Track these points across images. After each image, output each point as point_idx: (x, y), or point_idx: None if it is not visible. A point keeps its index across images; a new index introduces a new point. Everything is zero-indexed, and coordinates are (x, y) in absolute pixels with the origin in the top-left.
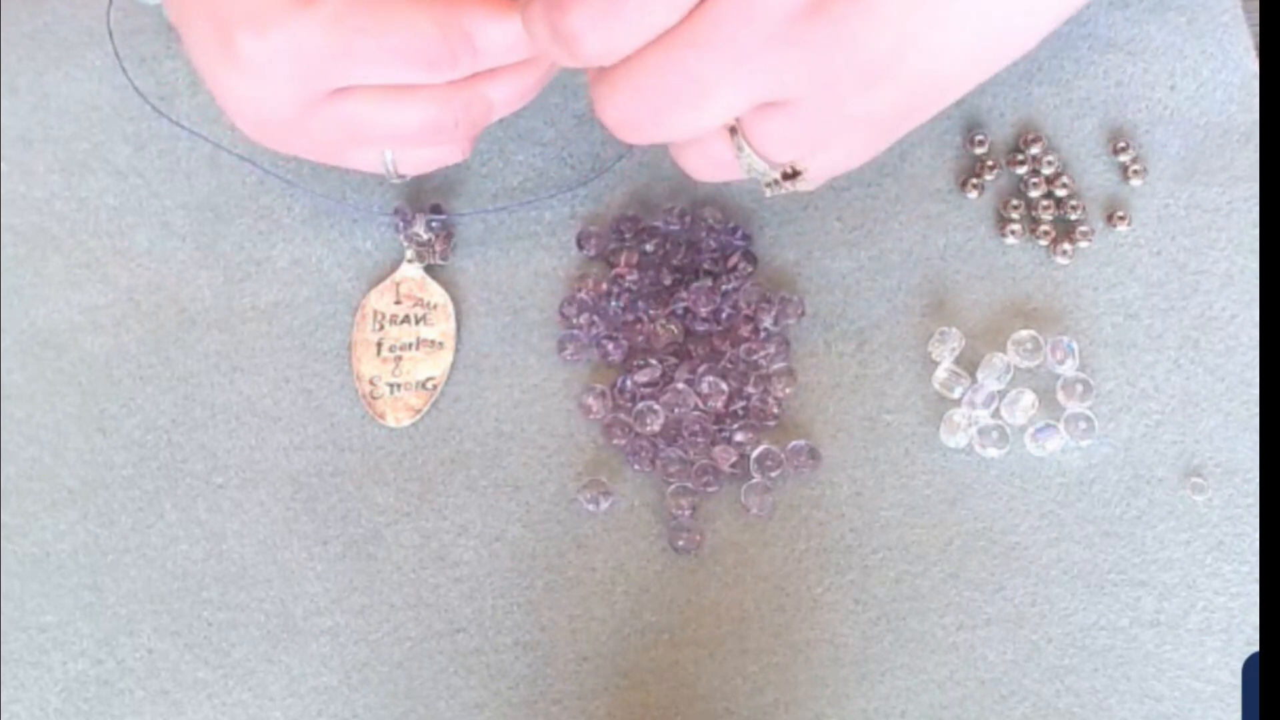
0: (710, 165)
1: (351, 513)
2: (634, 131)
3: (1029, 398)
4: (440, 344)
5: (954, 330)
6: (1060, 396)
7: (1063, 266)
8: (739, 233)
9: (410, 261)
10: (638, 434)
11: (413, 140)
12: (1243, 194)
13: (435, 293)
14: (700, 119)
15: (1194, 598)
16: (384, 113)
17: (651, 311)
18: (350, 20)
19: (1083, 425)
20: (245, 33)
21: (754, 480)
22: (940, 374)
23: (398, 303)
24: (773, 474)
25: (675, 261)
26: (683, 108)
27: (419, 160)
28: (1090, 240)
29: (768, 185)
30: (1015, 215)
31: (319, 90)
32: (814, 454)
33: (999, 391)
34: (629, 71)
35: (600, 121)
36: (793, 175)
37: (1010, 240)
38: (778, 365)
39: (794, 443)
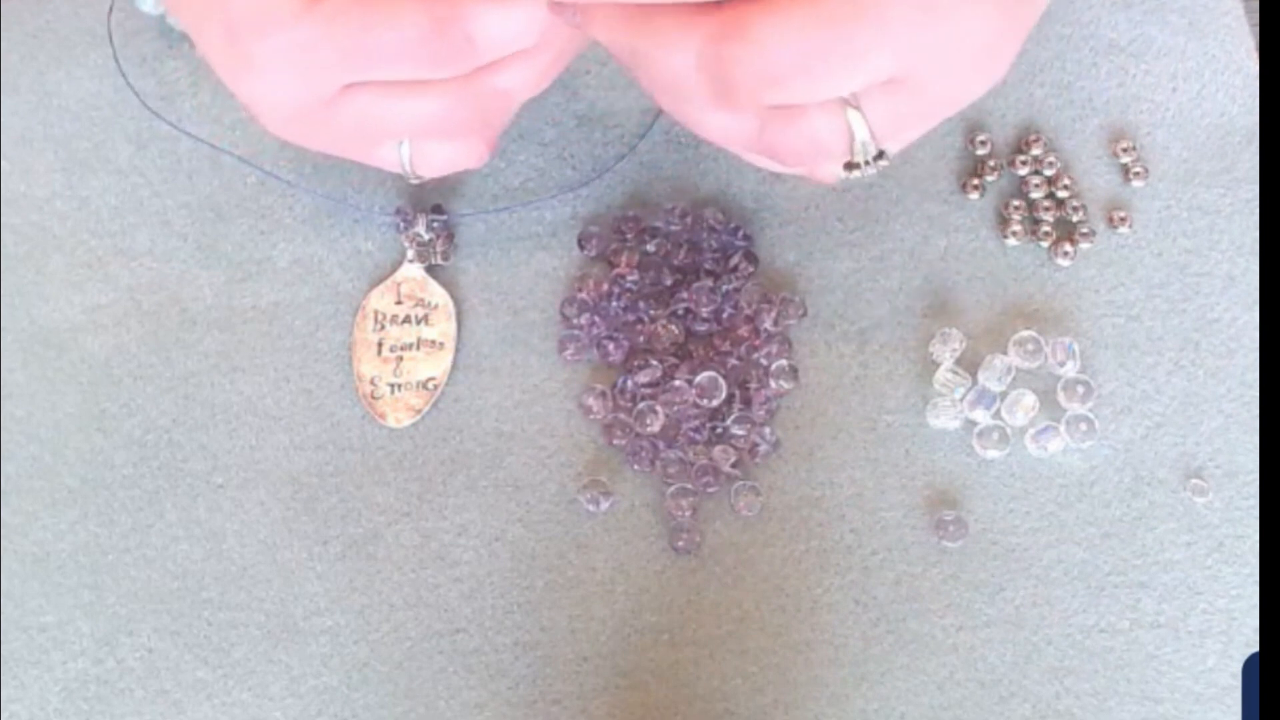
0: (806, 146)
1: (351, 513)
2: (766, 90)
3: (1030, 399)
4: (441, 344)
5: (955, 331)
6: (1061, 398)
7: (1064, 268)
8: (740, 233)
9: (411, 261)
10: (638, 434)
11: (427, 134)
12: (1244, 196)
13: (436, 293)
14: (836, 85)
15: (1194, 599)
16: (394, 107)
17: (652, 312)
18: (348, 20)
19: (1083, 427)
20: (251, 34)
21: (742, 482)
22: (941, 375)
23: (398, 303)
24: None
25: (676, 262)
26: (827, 71)
27: (437, 160)
28: (1091, 241)
29: (852, 168)
30: (1016, 216)
31: (329, 87)
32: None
33: (1000, 393)
34: (780, 29)
35: (726, 73)
36: (879, 157)
37: (1011, 241)
38: (778, 364)
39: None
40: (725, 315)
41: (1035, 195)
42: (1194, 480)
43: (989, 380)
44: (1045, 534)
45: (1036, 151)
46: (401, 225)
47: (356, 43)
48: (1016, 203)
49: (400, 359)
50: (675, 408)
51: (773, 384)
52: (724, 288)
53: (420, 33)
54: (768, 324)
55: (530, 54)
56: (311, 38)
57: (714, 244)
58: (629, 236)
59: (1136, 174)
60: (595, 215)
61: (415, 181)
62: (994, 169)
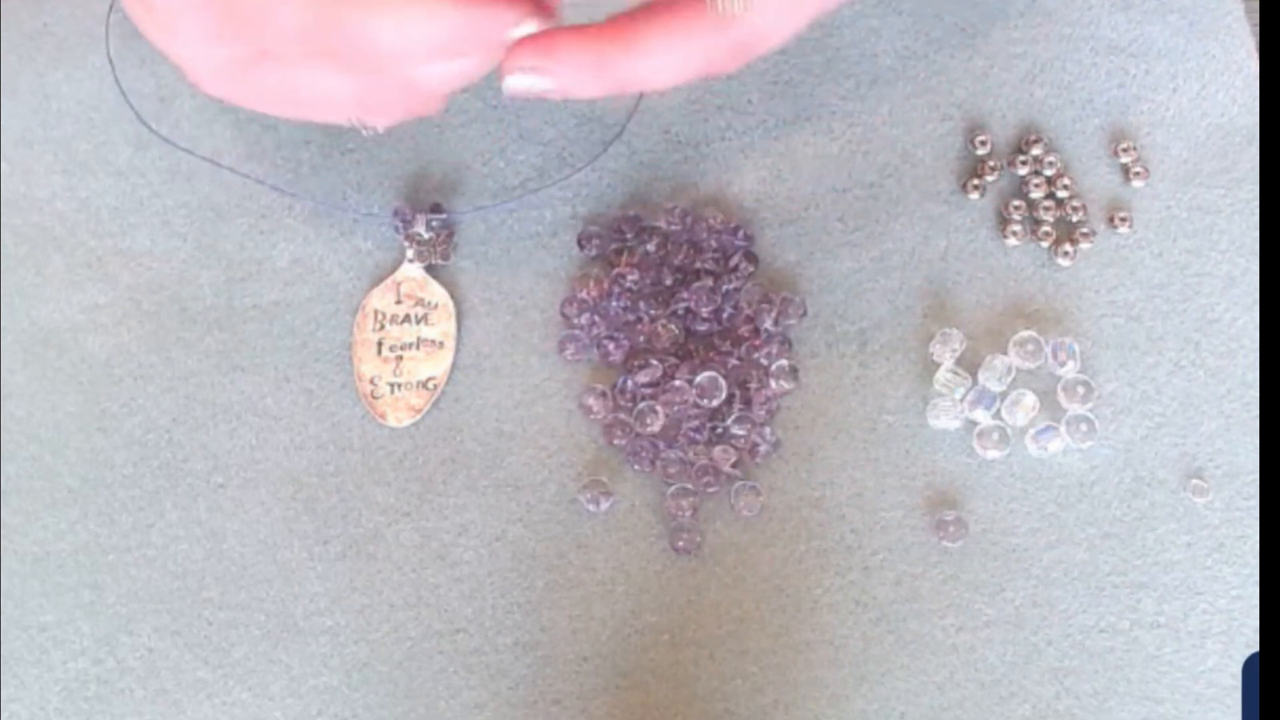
0: None
1: (351, 513)
2: None
3: (1030, 399)
4: (441, 344)
5: (955, 331)
6: (1061, 398)
7: (1064, 268)
8: (740, 233)
9: (411, 261)
10: (638, 434)
11: (348, 112)
12: (1244, 196)
13: (436, 292)
14: None
15: (1194, 600)
16: (310, 80)
17: (652, 311)
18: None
19: (1084, 427)
20: None
21: (742, 482)
22: (941, 375)
23: (398, 302)
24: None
25: (676, 261)
26: None
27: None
28: (1092, 242)
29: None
30: (1017, 216)
31: (242, 51)
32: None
33: (1000, 393)
34: None
35: None
36: None
37: (1012, 241)
38: (778, 364)
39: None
40: (725, 315)
41: (1035, 195)
42: (1194, 480)
43: (989, 380)
44: (1045, 534)
45: (1036, 151)
46: (401, 225)
47: (248, 19)
48: (1016, 203)
49: (400, 358)
50: (675, 408)
51: (773, 384)
52: (724, 288)
53: (302, 25)
54: (768, 324)
55: (447, 57)
56: (208, 7)
57: (714, 244)
58: (629, 236)
59: (1136, 174)
60: (595, 215)
61: (367, 134)
62: (994, 169)
